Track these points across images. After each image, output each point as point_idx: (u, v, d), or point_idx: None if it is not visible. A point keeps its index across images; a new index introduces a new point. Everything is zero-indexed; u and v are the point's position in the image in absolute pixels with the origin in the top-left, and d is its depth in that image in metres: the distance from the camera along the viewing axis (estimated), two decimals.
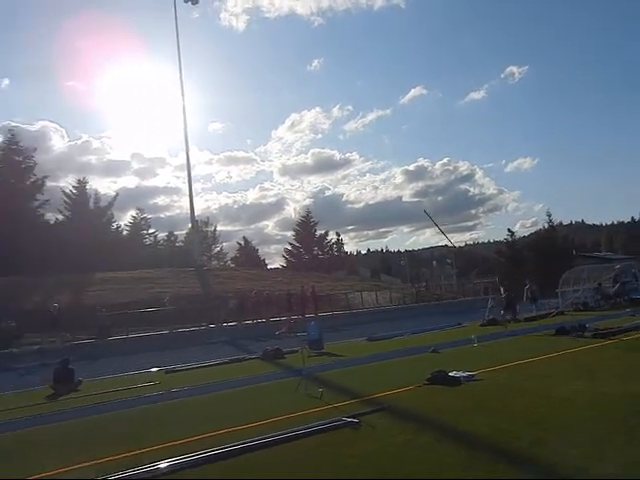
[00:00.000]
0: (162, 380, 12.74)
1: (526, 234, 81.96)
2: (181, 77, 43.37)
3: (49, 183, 53.53)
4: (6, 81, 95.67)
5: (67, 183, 59.92)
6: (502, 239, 66.36)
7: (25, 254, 40.55)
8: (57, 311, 24.50)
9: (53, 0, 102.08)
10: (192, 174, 45.73)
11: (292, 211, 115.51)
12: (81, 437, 7.63)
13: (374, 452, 5.52)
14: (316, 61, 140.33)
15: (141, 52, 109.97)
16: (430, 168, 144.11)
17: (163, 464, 5.55)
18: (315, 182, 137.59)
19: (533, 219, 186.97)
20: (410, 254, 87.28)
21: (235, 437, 6.41)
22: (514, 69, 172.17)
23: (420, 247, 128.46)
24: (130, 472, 5.37)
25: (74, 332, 24.28)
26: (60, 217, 55.42)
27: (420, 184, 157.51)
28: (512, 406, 7.09)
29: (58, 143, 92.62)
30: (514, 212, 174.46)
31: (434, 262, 68.24)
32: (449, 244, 42.63)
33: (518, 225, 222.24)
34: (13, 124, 60.89)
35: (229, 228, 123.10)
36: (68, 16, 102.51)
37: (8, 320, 23.98)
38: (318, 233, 74.63)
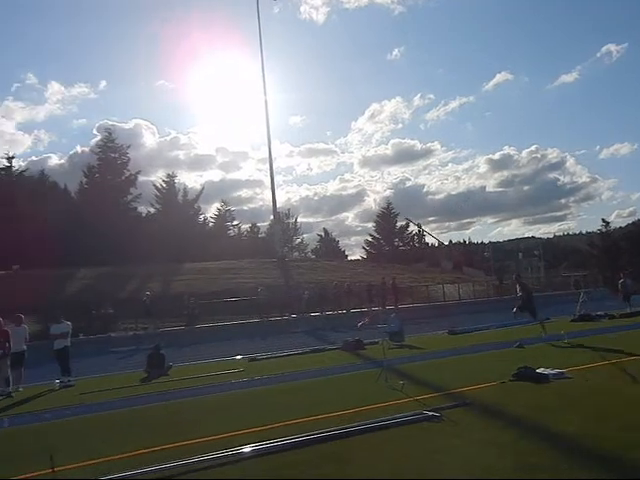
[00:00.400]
0: (246, 367, 13.15)
1: (622, 224, 76.82)
2: (263, 72, 44.19)
3: (141, 178, 56.67)
4: (104, 83, 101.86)
5: (157, 177, 63.13)
6: (595, 230, 62.63)
7: (120, 245, 43.16)
8: (149, 299, 25.90)
9: (140, 4, 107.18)
10: (274, 167, 46.65)
11: (372, 202, 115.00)
12: (169, 419, 8.03)
13: (456, 447, 5.41)
14: (396, 50, 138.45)
15: (225, 50, 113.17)
16: (516, 156, 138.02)
17: (247, 448, 5.72)
18: (395, 173, 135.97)
19: (631, 209, 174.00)
20: (494, 245, 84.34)
21: (316, 425, 6.49)
22: (611, 47, 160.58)
23: (505, 238, 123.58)
24: (214, 454, 5.58)
25: (164, 319, 25.60)
26: (151, 210, 58.53)
27: (505, 173, 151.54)
28: (604, 407, 6.67)
29: (149, 140, 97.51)
30: (609, 201, 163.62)
31: (520, 254, 65.55)
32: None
33: (614, 215, 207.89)
34: (110, 123, 65.00)
35: (310, 220, 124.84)
36: (156, 18, 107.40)
37: (106, 307, 25.72)
38: (399, 224, 73.89)
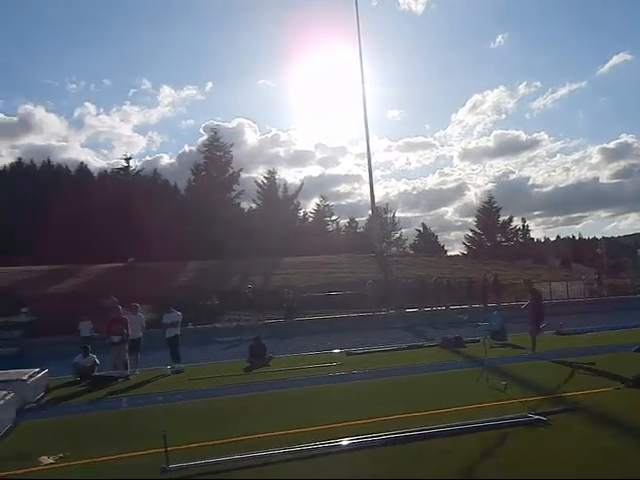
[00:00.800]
0: (344, 361, 13.26)
1: None
2: (361, 66, 44.19)
3: (243, 175, 58.84)
4: (210, 84, 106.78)
5: (259, 174, 65.19)
6: None
7: (224, 240, 45.16)
8: (251, 292, 26.87)
9: (241, 7, 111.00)
10: (372, 162, 46.55)
11: (473, 196, 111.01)
12: (269, 408, 8.29)
13: (565, 454, 5.12)
14: (500, 37, 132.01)
15: (323, 46, 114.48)
16: (635, 145, 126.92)
17: (344, 441, 5.78)
18: (498, 165, 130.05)
19: None
20: (608, 241, 78.50)
21: (414, 423, 6.42)
22: None
23: (622, 234, 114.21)
24: (312, 445, 5.69)
25: (265, 312, 26.46)
26: (253, 206, 60.66)
27: (622, 163, 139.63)
28: None
29: (251, 138, 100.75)
30: None
31: (639, 250, 60.51)
32: None
33: None
34: (215, 123, 68.14)
35: (408, 215, 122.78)
36: (256, 19, 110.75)
37: (212, 299, 27.08)
38: (501, 219, 70.97)
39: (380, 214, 67.29)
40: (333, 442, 5.77)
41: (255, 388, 10.25)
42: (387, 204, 77.45)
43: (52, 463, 5.80)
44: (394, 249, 70.66)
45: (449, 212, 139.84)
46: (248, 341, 15.52)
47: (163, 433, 5.30)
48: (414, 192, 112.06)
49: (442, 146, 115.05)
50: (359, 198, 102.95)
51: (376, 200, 50.38)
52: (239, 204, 58.19)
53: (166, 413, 8.47)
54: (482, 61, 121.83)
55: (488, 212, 70.68)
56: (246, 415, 7.84)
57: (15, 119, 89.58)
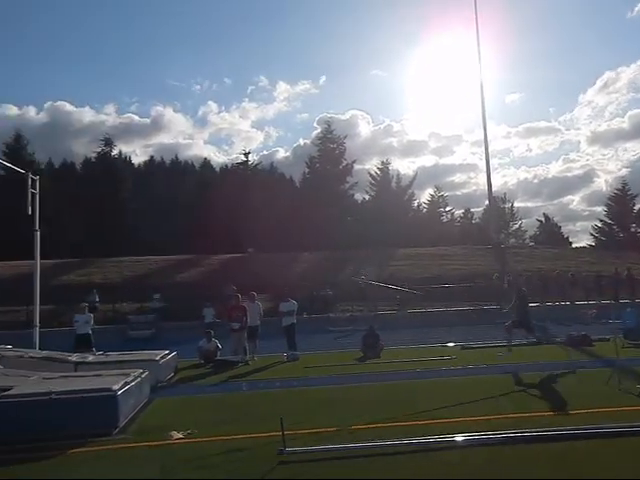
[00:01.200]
0: (458, 355, 12.95)
1: None
2: (479, 51, 42.14)
3: (357, 166, 59.12)
4: (323, 78, 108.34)
5: (372, 165, 65.10)
6: None
7: (338, 231, 45.79)
8: (364, 283, 27.03)
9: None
10: (489, 149, 44.62)
11: (603, 183, 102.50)
12: (382, 399, 8.31)
13: None
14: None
15: (438, 32, 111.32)
16: None
17: (459, 437, 5.67)
18: (634, 149, 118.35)
19: None
20: None
21: (531, 423, 6.12)
22: None
23: None
24: (425, 439, 5.63)
25: (378, 303, 26.49)
26: (366, 197, 60.84)
27: None
28: None
29: (364, 129, 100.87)
30: None
31: None
32: None
33: None
34: (328, 116, 69.06)
35: (528, 204, 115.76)
36: (367, 8, 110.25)
37: (326, 289, 27.63)
38: (637, 207, 64.90)
39: (498, 204, 64.30)
40: (447, 437, 5.67)
41: (367, 378, 10.34)
42: (505, 193, 73.96)
43: (181, 438, 6.28)
44: (512, 241, 67.41)
45: (575, 201, 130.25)
46: (361, 331, 15.67)
47: (280, 417, 5.53)
48: (535, 180, 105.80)
49: (567, 130, 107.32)
50: (475, 188, 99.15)
51: (493, 189, 47.97)
52: (353, 195, 58.66)
53: (283, 398, 8.82)
54: (616, 34, 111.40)
55: (621, 200, 64.92)
56: (358, 405, 7.94)
57: (148, 120, 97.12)
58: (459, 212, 71.76)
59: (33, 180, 14.28)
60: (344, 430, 6.36)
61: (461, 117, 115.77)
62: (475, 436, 5.68)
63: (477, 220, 71.46)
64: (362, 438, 5.79)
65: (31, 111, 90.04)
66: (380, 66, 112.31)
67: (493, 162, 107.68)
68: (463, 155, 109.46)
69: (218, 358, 13.74)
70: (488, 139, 43.10)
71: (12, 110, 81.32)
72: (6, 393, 7.07)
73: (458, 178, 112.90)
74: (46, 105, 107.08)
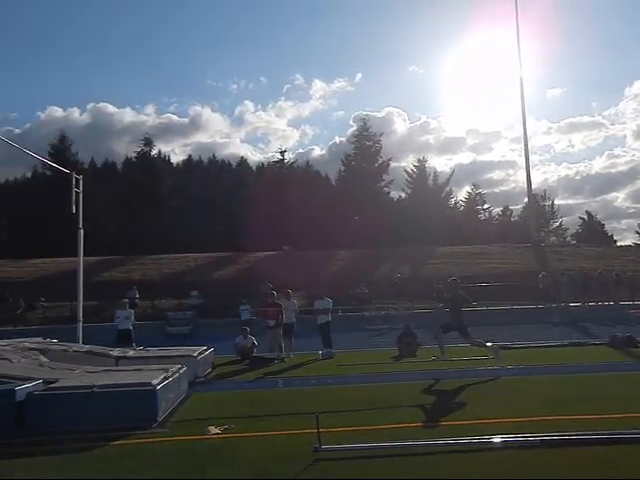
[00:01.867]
0: (497, 355, 12.71)
1: None
2: (519, 46, 41.70)
3: (393, 164, 58.84)
4: (359, 75, 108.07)
5: (408, 163, 64.65)
6: None
7: (374, 229, 45.63)
8: (400, 281, 26.87)
9: None
10: (529, 145, 43.80)
11: None
12: (419, 399, 8.24)
13: None
14: None
15: (475, 27, 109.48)
16: None
17: (496, 439, 5.58)
18: None
19: None
20: None
21: (571, 425, 5.98)
22: None
23: None
24: (461, 440, 5.56)
25: (414, 301, 26.29)
26: (403, 195, 60.43)
27: None
28: None
29: (400, 126, 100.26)
30: None
31: None
32: None
33: None
34: (364, 113, 68.84)
35: (569, 202, 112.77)
36: (399, 4, 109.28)
37: (362, 287, 27.58)
38: None
39: (537, 201, 63.00)
40: (484, 438, 5.59)
41: (403, 377, 10.28)
42: (545, 190, 72.35)
43: (218, 433, 6.38)
44: (553, 239, 65.90)
45: (619, 198, 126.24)
46: (396, 330, 15.60)
47: (315, 414, 5.55)
48: (577, 177, 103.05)
49: (612, 125, 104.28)
50: (514, 185, 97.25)
51: (533, 186, 47.45)
52: (389, 193, 58.43)
53: (318, 396, 8.85)
54: None
55: None
56: (394, 403, 7.90)
57: (186, 120, 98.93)
58: (497, 210, 70.68)
59: (77, 179, 14.71)
60: (379, 429, 6.35)
61: (500, 113, 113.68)
62: (513, 438, 5.58)
63: (516, 218, 70.20)
64: (397, 437, 5.76)
65: (75, 112, 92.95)
66: (417, 62, 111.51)
67: (533, 158, 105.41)
68: (502, 152, 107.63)
69: (254, 355, 13.90)
70: (528, 135, 42.30)
71: (57, 112, 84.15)
72: (52, 385, 7.33)
73: (496, 175, 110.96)
74: (89, 106, 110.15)
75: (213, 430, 6.46)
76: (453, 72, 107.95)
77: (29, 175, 57.51)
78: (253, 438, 6.18)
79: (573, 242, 62.16)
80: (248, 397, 8.99)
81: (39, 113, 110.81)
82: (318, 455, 5.23)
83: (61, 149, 52.88)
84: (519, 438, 5.56)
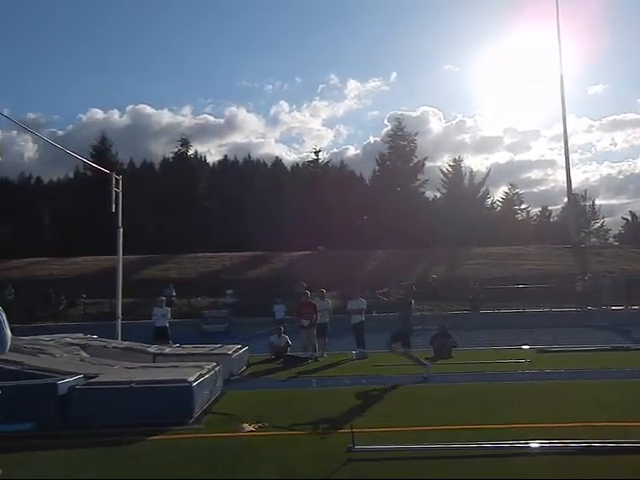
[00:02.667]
0: (534, 359, 12.47)
1: None
2: (559, 42, 40.72)
3: (428, 163, 58.18)
4: (394, 75, 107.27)
5: (443, 162, 63.80)
6: None
7: (409, 229, 45.27)
8: (435, 282, 26.59)
9: None
10: (569, 144, 42.74)
11: None
12: (453, 401, 8.14)
13: None
14: None
15: (512, 23, 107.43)
16: None
17: (534, 444, 5.46)
18: None
19: None
20: None
21: (614, 433, 5.80)
22: None
23: None
24: (497, 444, 5.47)
25: (450, 302, 25.98)
26: (438, 195, 59.72)
27: None
28: None
29: (436, 126, 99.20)
30: None
31: None
32: None
33: None
34: (399, 113, 68.18)
35: (612, 202, 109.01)
36: (434, 2, 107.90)
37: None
38: None
39: (578, 201, 61.36)
40: (520, 443, 5.48)
41: (437, 379, 10.18)
42: (586, 190, 70.31)
43: (252, 430, 6.45)
44: (594, 240, 64.06)
45: None
46: (431, 331, 15.44)
47: (350, 414, 5.55)
48: (620, 176, 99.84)
49: None
50: (553, 185, 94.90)
51: (573, 186, 46.27)
52: (424, 193, 57.80)
53: (351, 396, 8.84)
54: None
55: None
56: (428, 405, 7.83)
57: (222, 121, 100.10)
58: (535, 210, 69.04)
59: (116, 179, 15.05)
60: (414, 430, 6.31)
61: (539, 111, 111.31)
62: (550, 443, 5.46)
63: (555, 218, 68.51)
64: (431, 439, 5.71)
65: (115, 114, 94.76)
66: (453, 61, 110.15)
67: (573, 157, 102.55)
68: (540, 151, 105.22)
69: (288, 354, 13.97)
70: (568, 133, 41.24)
71: (98, 114, 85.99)
72: (92, 380, 7.53)
73: (535, 175, 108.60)
74: (128, 108, 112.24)
75: (247, 427, 6.53)
76: (490, 70, 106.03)
77: (71, 175, 59.12)
78: (287, 436, 6.21)
79: (615, 243, 60.33)
80: (282, 396, 9.05)
81: (81, 115, 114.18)
82: (352, 455, 5.22)
83: (102, 150, 54.20)
84: (558, 444, 5.43)
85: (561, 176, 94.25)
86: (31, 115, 78.39)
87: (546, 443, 5.46)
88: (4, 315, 3.99)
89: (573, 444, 5.38)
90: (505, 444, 5.46)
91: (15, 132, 74.58)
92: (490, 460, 5.14)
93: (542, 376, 10.25)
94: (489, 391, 8.91)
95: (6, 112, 8.35)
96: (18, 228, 51.50)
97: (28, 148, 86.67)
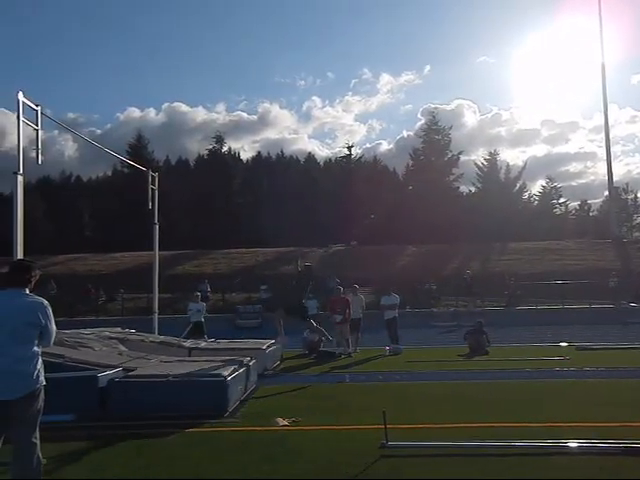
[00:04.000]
0: (573, 356, 12.20)
1: None
2: (601, 30, 39.58)
3: (462, 157, 57.38)
4: (428, 68, 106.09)
5: (478, 156, 62.82)
6: None
7: (443, 224, 44.76)
8: (470, 277, 26.25)
9: None
10: (610, 135, 41.53)
11: None
12: (489, 398, 8.03)
13: None
14: None
15: (549, 14, 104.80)
16: None
17: (572, 443, 5.34)
18: None
19: None
20: None
21: None
22: None
23: None
24: (534, 442, 5.37)
25: (484, 298, 25.62)
26: (472, 189, 58.83)
27: None
28: None
29: (470, 119, 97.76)
30: None
31: None
32: None
33: None
34: (432, 106, 67.59)
35: None
36: None
37: (429, 283, 27.16)
38: None
39: (619, 195, 59.61)
40: (558, 442, 5.37)
41: (472, 376, 10.07)
42: (628, 183, 68.22)
43: (286, 425, 6.50)
44: (637, 234, 62.11)
45: None
46: (465, 327, 15.27)
47: (383, 410, 5.54)
48: None
49: None
50: (593, 178, 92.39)
51: (615, 179, 45.03)
52: (458, 188, 57.02)
53: (384, 391, 8.83)
54: None
55: None
56: (462, 402, 7.75)
57: (255, 117, 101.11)
58: (574, 204, 67.38)
59: (153, 177, 15.31)
60: (447, 427, 6.25)
61: (578, 102, 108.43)
62: (590, 443, 5.33)
63: (595, 212, 66.84)
64: (464, 437, 5.65)
65: (151, 113, 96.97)
66: (488, 52, 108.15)
67: (615, 149, 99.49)
68: (580, 143, 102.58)
69: (322, 349, 14.02)
70: (610, 124, 40.09)
71: (135, 113, 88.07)
72: (131, 373, 7.71)
73: (573, 168, 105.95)
74: (164, 106, 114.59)
75: (281, 422, 6.58)
76: (526, 61, 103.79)
77: (110, 173, 60.58)
78: (320, 431, 6.24)
79: None
80: (315, 391, 9.09)
81: (118, 114, 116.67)
82: (385, 451, 5.21)
83: (138, 148, 55.28)
84: (598, 444, 5.30)
85: (601, 169, 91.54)
86: (71, 115, 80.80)
87: (585, 443, 5.34)
88: (50, 310, 4.14)
89: (612, 445, 5.25)
90: (542, 443, 5.36)
91: (56, 132, 77.04)
92: (526, 459, 5.06)
93: (580, 374, 10.02)
94: (525, 389, 8.76)
95: (48, 112, 8.58)
96: (59, 225, 53.03)
97: (68, 147, 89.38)
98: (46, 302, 4.13)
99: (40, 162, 8.13)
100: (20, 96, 7.52)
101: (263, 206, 51.73)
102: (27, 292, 4.11)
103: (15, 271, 4.17)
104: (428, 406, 7.60)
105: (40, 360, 4.09)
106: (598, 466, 4.80)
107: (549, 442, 5.37)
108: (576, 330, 18.55)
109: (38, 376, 4.03)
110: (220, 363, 8.36)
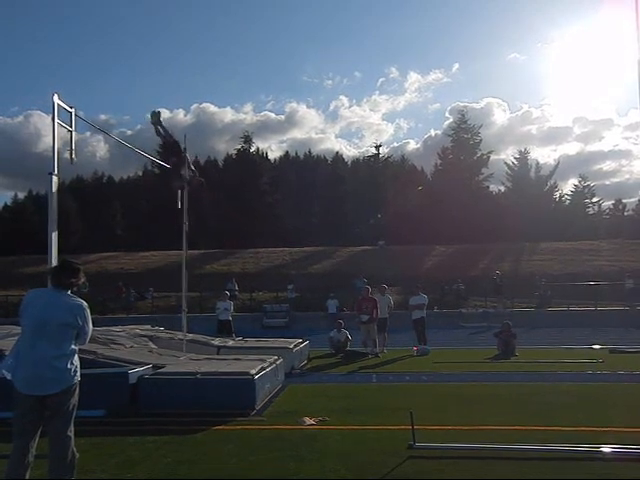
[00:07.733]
0: (606, 359, 11.91)
1: None
2: (637, 23, 38.48)
3: (492, 156, 56.59)
4: (456, 66, 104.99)
5: (508, 155, 62.09)
6: None
7: (472, 224, 44.25)
8: (499, 278, 25.87)
9: None
10: None
11: None
12: (518, 400, 7.89)
13: None
14: None
15: (580, 8, 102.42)
16: None
17: (606, 448, 5.21)
18: None
19: None
20: None
21: None
22: None
23: None
24: (566, 447, 5.27)
25: (514, 299, 25.22)
26: (502, 188, 58.01)
27: None
28: None
29: (500, 117, 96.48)
30: None
31: None
32: None
33: None
34: (461, 105, 66.84)
35: None
36: None
37: (458, 283, 26.88)
38: None
39: None
40: (591, 447, 5.25)
41: (501, 377, 9.93)
42: None
43: (313, 424, 6.51)
44: None
45: None
46: (494, 328, 15.06)
47: (410, 411, 5.50)
48: None
49: None
50: (628, 176, 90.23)
51: None
52: (488, 187, 56.29)
53: (412, 392, 8.76)
54: None
55: None
56: (490, 404, 7.64)
57: (282, 117, 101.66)
58: (608, 203, 65.83)
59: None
60: (475, 429, 6.18)
61: (612, 99, 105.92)
62: (624, 449, 5.19)
63: (630, 212, 65.15)
64: (493, 439, 5.56)
65: (180, 113, 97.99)
66: (518, 49, 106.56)
67: None
68: (614, 140, 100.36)
69: (349, 349, 14.00)
70: None
71: (164, 113, 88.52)
72: (160, 370, 7.83)
73: (607, 166, 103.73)
74: (192, 107, 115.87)
75: (308, 421, 6.59)
76: (558, 58, 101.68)
77: (140, 173, 61.63)
78: (347, 431, 6.23)
79: None
80: (342, 390, 9.09)
81: (148, 115, 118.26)
82: (412, 452, 5.18)
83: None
84: (632, 449, 5.16)
85: (637, 167, 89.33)
86: (103, 116, 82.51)
87: (618, 448, 5.20)
88: (89, 312, 4.26)
89: None
90: (573, 447, 5.24)
91: (88, 133, 78.83)
92: (556, 463, 4.96)
93: (614, 377, 9.79)
94: (556, 392, 8.59)
95: (81, 114, 8.76)
96: (91, 224, 54.16)
97: (100, 148, 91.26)
98: (85, 304, 4.25)
99: (73, 162, 8.30)
100: (55, 98, 7.68)
101: (291, 205, 51.93)
102: (69, 293, 4.22)
103: (63, 271, 4.27)
104: (457, 407, 7.52)
105: (76, 357, 4.21)
106: (633, 473, 4.68)
107: (581, 447, 5.26)
108: (610, 332, 18.11)
109: (74, 373, 4.14)
110: (248, 361, 8.43)
